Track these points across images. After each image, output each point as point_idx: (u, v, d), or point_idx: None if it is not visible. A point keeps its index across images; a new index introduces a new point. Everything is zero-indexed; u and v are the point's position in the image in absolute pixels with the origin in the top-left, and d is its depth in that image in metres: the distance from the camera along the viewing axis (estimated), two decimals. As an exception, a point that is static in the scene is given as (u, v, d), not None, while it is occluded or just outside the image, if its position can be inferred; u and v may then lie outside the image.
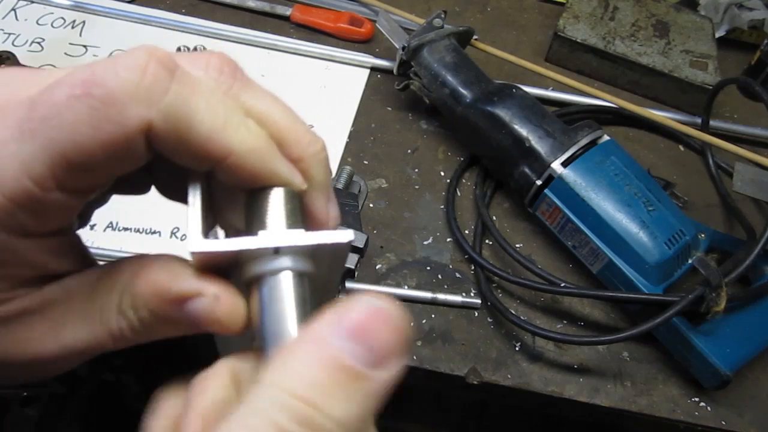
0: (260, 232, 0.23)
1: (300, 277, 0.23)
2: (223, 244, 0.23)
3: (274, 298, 0.22)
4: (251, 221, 0.24)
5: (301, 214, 0.25)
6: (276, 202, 0.24)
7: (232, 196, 0.26)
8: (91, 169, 0.22)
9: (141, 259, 0.25)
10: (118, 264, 0.26)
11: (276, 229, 0.24)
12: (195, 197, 0.25)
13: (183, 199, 0.28)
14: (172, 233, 0.63)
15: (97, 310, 0.25)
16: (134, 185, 0.29)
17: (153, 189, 0.30)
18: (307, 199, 0.26)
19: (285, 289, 0.23)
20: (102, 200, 0.29)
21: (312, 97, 0.76)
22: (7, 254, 0.23)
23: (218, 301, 0.24)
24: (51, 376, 0.27)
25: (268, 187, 0.24)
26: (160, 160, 0.24)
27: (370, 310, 0.20)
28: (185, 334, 0.26)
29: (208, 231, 0.25)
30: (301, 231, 0.23)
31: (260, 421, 0.18)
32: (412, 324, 0.58)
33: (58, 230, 0.24)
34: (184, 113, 0.22)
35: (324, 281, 0.26)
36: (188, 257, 0.25)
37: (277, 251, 0.23)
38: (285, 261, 0.23)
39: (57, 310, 0.25)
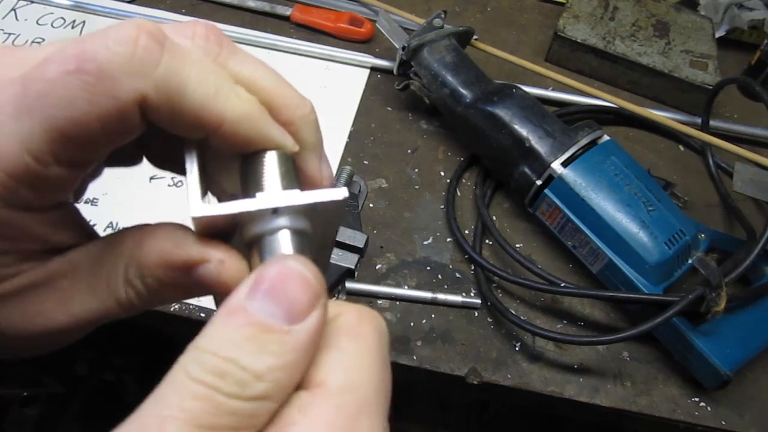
0: (258, 194, 0.24)
1: (298, 234, 0.24)
2: (223, 207, 0.23)
3: (270, 254, 0.23)
4: (247, 185, 0.25)
5: (295, 176, 0.25)
6: (270, 165, 0.25)
7: (225, 163, 0.27)
8: (89, 143, 0.22)
9: (143, 228, 0.26)
10: (121, 234, 0.26)
11: (272, 191, 0.24)
12: (192, 165, 0.25)
13: (173, 168, 0.28)
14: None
15: (104, 280, 0.25)
16: (126, 157, 0.29)
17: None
18: (300, 161, 0.26)
19: (284, 248, 0.23)
20: (96, 173, 0.30)
21: (312, 97, 0.74)
22: (10, 229, 0.24)
23: (223, 265, 0.24)
24: (63, 345, 0.27)
25: (261, 151, 0.25)
26: (150, 131, 0.24)
27: (279, 270, 0.21)
28: (194, 297, 0.27)
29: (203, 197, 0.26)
30: (297, 191, 0.24)
31: (179, 375, 0.19)
32: (411, 324, 0.58)
33: (57, 204, 0.25)
34: (176, 83, 0.22)
35: (321, 239, 0.26)
36: (190, 224, 0.25)
37: (275, 211, 0.23)
38: (282, 220, 0.23)
39: (64, 283, 0.25)
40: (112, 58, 0.21)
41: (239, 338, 0.20)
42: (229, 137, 0.24)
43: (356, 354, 0.22)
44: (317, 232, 0.25)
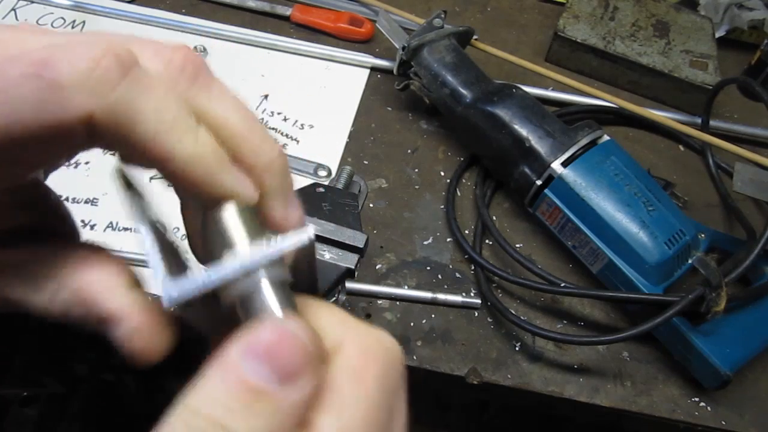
0: (224, 254, 0.23)
1: (278, 284, 0.23)
2: (190, 285, 0.22)
3: (255, 312, 0.22)
4: (213, 243, 0.24)
5: (260, 225, 0.24)
6: (232, 217, 0.24)
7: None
8: (32, 148, 0.23)
9: (92, 252, 0.26)
10: (78, 248, 0.26)
11: (240, 248, 0.23)
12: (148, 238, 0.24)
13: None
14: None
15: (48, 282, 0.26)
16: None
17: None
18: (264, 208, 0.26)
19: (270, 304, 0.22)
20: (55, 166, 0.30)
21: (312, 97, 0.76)
22: None
23: (136, 335, 0.24)
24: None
25: (222, 202, 0.24)
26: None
27: (274, 331, 0.21)
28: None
29: (174, 262, 0.24)
30: (263, 244, 0.23)
31: None
32: (411, 324, 0.58)
33: (11, 188, 0.25)
34: (128, 111, 0.22)
35: (304, 268, 0.26)
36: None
37: (246, 272, 0.23)
38: (259, 275, 0.23)
39: (27, 272, 0.26)
40: (70, 71, 0.21)
41: (230, 400, 0.20)
42: (180, 178, 0.23)
43: (355, 399, 0.21)
44: (298, 267, 0.25)
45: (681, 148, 0.77)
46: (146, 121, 0.22)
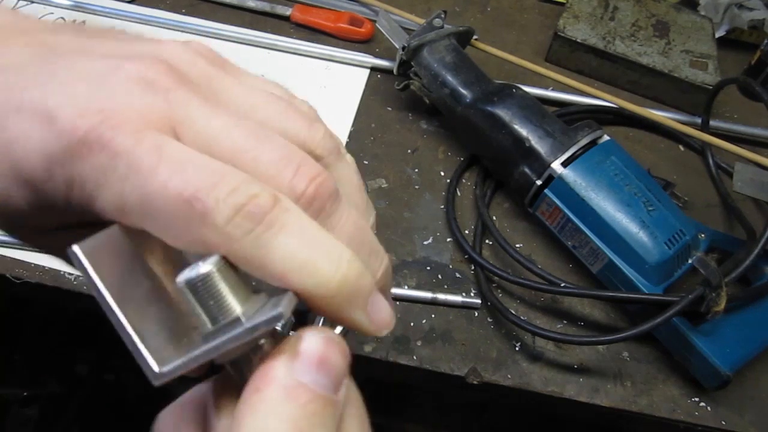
0: (219, 319, 0.21)
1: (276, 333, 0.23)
2: (184, 362, 0.20)
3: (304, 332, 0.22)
4: (208, 311, 0.22)
5: (243, 282, 0.23)
6: (221, 278, 0.22)
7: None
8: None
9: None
10: None
11: (229, 314, 0.22)
12: (122, 318, 0.21)
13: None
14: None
15: None
16: None
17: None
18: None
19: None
20: None
21: (312, 97, 0.74)
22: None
23: None
24: None
25: (205, 256, 0.22)
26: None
27: (325, 341, 0.21)
28: None
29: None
30: (251, 308, 0.22)
31: None
32: (411, 324, 0.58)
33: None
34: (259, 253, 0.22)
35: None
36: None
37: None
38: (253, 335, 0.21)
39: None
40: (216, 211, 0.21)
41: (305, 416, 0.20)
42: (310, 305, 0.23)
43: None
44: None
45: (681, 148, 0.77)
46: (274, 262, 0.22)
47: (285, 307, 0.21)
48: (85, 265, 0.21)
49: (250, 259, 0.21)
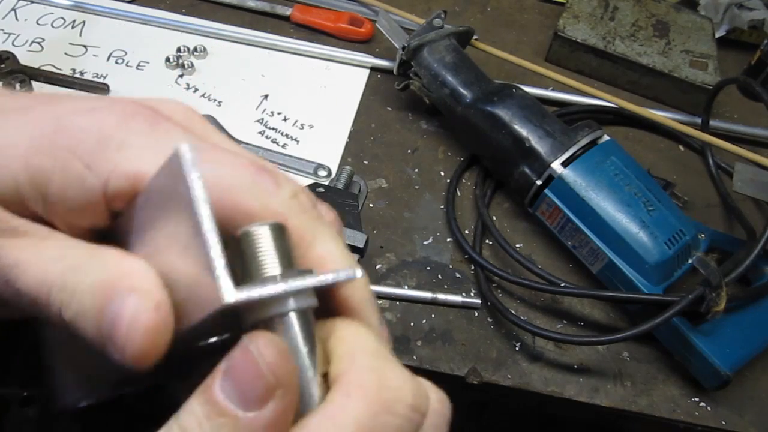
0: (263, 274, 0.22)
1: (305, 313, 0.23)
2: (257, 291, 0.21)
3: (288, 338, 0.22)
4: (248, 264, 0.23)
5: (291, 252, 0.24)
6: (268, 241, 0.23)
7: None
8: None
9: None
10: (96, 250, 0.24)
11: (282, 273, 0.23)
12: (215, 239, 0.21)
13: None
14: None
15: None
16: None
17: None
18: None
19: (296, 329, 0.22)
20: None
21: (312, 97, 0.75)
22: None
23: (156, 309, 0.21)
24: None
25: (253, 227, 0.23)
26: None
27: (239, 354, 0.21)
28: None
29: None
30: (309, 273, 0.23)
31: None
32: (411, 324, 0.58)
33: None
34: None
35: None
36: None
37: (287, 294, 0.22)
38: (291, 303, 0.22)
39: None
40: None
41: (202, 416, 0.20)
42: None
43: None
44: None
45: (681, 148, 0.77)
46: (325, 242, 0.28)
47: (357, 271, 0.26)
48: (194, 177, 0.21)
49: (305, 231, 0.25)
